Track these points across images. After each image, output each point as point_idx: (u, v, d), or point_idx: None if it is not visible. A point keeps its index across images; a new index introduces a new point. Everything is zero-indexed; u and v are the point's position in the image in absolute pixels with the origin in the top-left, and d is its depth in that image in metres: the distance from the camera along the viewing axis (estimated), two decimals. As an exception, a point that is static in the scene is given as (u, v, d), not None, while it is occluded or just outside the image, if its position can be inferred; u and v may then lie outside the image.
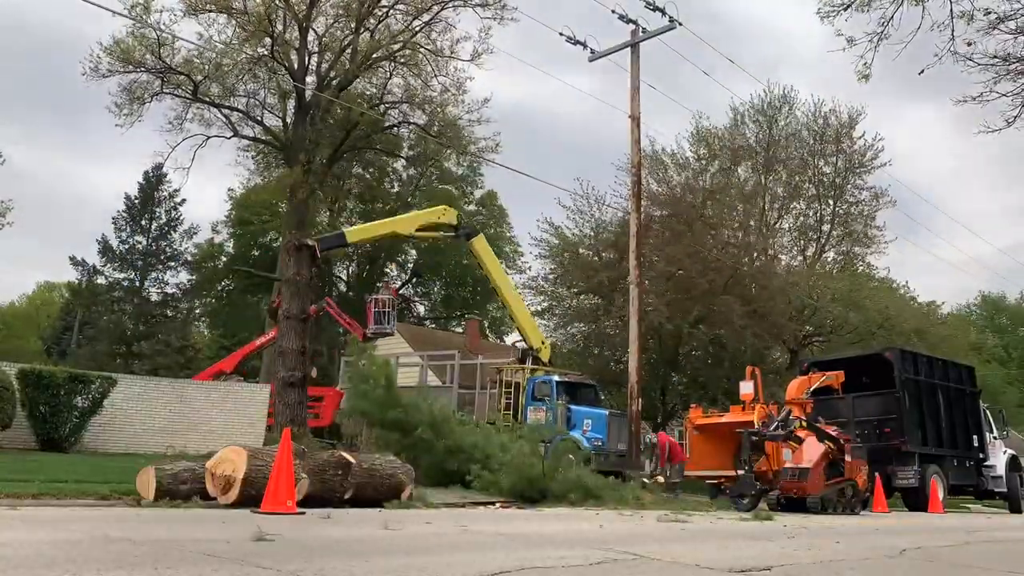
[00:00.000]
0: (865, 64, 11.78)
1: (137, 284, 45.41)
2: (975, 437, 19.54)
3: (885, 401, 18.18)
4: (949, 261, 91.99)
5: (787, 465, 14.07)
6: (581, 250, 30.06)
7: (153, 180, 45.09)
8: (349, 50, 31.56)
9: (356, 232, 23.84)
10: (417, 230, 22.16)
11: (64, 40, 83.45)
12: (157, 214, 45.82)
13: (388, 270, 54.25)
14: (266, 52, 30.45)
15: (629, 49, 18.74)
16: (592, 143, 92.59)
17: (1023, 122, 12.00)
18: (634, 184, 18.92)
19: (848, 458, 14.65)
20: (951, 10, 11.16)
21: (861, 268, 34.82)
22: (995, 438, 20.54)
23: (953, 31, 11.26)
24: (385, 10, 31.66)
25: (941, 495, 17.61)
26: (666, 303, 26.28)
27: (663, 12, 17.90)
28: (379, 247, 50.53)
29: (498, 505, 11.76)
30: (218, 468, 8.49)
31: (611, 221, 29.62)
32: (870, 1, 11.50)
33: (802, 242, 35.45)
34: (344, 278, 54.41)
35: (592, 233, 29.92)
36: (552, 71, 47.04)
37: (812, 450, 14.02)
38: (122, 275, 45.21)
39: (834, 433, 14.80)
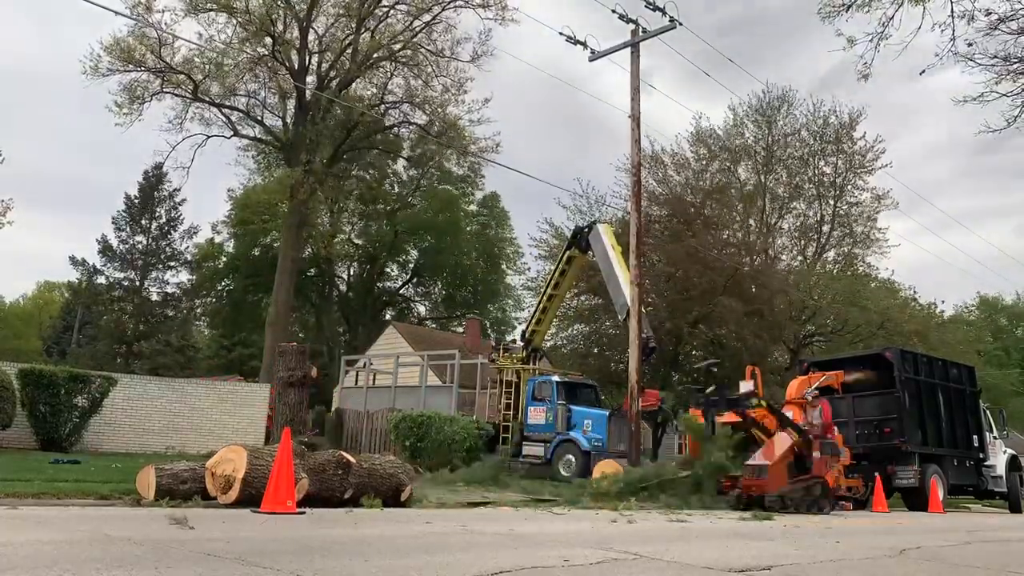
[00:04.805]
0: (865, 64, 11.81)
1: (137, 284, 45.45)
2: (975, 437, 19.52)
3: (885, 401, 18.14)
4: (951, 261, 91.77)
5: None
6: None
7: (153, 180, 45.13)
8: (350, 50, 31.55)
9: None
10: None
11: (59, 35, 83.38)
12: (157, 214, 45.88)
13: (388, 269, 54.21)
14: (266, 52, 30.44)
15: (629, 49, 18.70)
16: (591, 142, 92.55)
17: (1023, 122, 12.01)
18: (634, 184, 18.88)
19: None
20: (952, 10, 11.17)
21: (862, 269, 34.76)
22: (995, 438, 20.52)
23: (954, 31, 11.27)
24: (386, 10, 31.70)
25: (941, 495, 17.58)
26: (666, 303, 26.25)
27: (663, 12, 17.85)
28: (380, 246, 50.52)
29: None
30: (218, 468, 8.48)
31: (611, 221, 29.57)
32: (870, 1, 11.53)
33: (802, 242, 35.41)
34: (345, 278, 54.39)
35: None
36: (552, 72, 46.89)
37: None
38: (122, 275, 45.29)
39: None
